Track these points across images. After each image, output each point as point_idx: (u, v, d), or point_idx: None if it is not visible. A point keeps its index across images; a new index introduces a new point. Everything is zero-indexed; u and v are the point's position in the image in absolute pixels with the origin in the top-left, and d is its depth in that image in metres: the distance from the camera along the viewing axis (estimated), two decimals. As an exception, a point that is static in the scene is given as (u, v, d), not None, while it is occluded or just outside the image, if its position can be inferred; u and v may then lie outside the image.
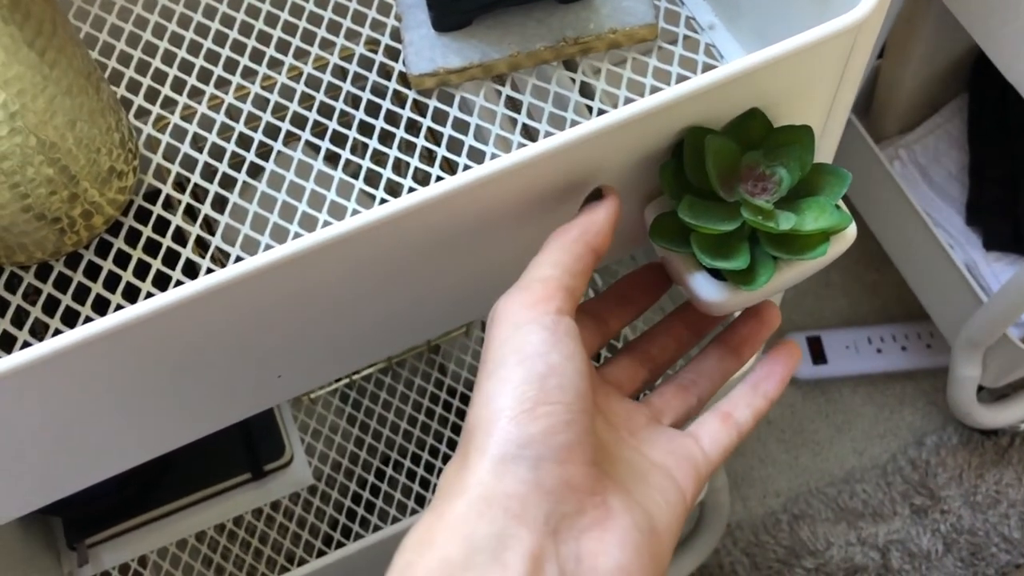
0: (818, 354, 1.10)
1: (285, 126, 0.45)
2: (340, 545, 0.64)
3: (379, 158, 0.43)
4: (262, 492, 0.66)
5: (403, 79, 0.46)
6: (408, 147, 0.44)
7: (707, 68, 0.44)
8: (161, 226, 0.43)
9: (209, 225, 0.43)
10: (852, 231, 0.35)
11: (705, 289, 0.35)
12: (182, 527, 0.65)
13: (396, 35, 0.47)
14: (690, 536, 0.94)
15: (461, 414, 0.70)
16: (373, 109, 0.45)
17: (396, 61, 0.46)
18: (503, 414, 0.29)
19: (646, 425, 0.35)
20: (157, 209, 0.43)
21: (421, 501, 0.66)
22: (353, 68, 0.46)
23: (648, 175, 0.36)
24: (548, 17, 0.44)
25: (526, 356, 0.29)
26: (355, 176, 0.43)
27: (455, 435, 0.69)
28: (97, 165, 0.40)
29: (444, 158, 0.44)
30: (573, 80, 0.44)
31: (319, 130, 0.45)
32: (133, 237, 0.43)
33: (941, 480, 1.04)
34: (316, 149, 0.44)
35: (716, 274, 0.35)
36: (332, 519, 0.67)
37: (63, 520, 0.64)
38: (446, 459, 0.68)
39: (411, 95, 0.45)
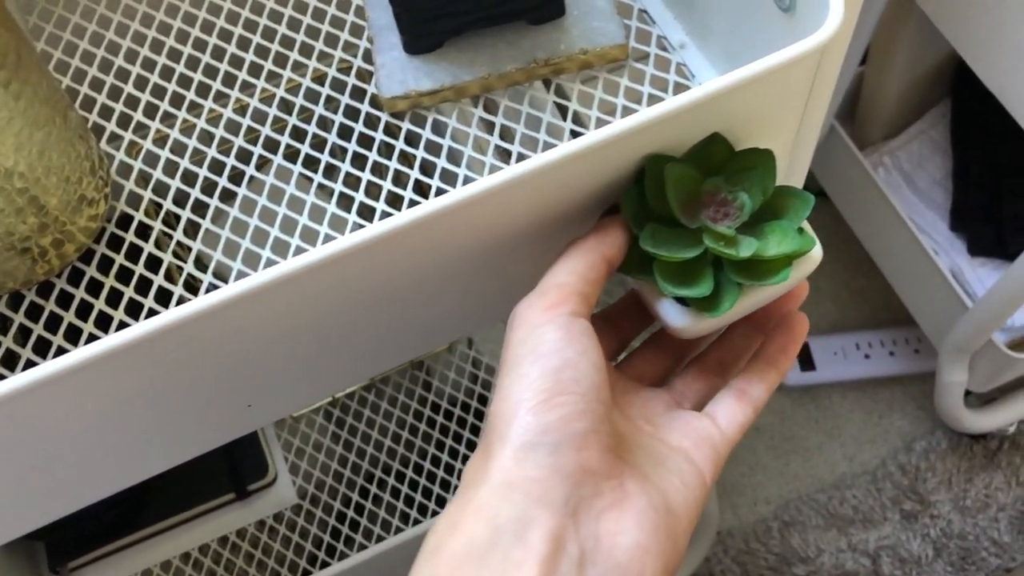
0: (807, 361, 1.10)
1: (257, 150, 0.45)
2: (325, 564, 0.64)
3: (352, 181, 0.43)
4: (246, 512, 0.66)
5: (376, 101, 0.46)
6: (381, 170, 0.44)
7: (678, 87, 0.44)
8: (134, 254, 0.43)
9: (181, 252, 0.43)
10: (817, 253, 0.35)
11: (672, 315, 0.35)
12: (167, 548, 0.65)
13: (369, 57, 0.47)
14: (680, 546, 0.94)
15: (445, 431, 0.70)
16: (346, 132, 0.45)
17: (369, 83, 0.46)
18: (522, 405, 0.31)
19: (664, 412, 0.36)
20: (130, 236, 0.43)
21: (406, 519, 0.66)
22: (326, 91, 0.46)
23: (609, 203, 0.36)
24: (519, 39, 0.44)
25: (542, 354, 0.31)
26: (328, 200, 0.43)
27: (439, 452, 0.69)
28: (67, 194, 0.39)
29: (417, 180, 0.43)
30: (545, 101, 0.44)
31: (291, 153, 0.45)
32: (105, 265, 0.42)
33: (931, 485, 1.04)
34: (288, 173, 0.44)
35: (683, 299, 0.35)
36: (316, 538, 0.67)
37: (46, 545, 0.64)
38: (431, 476, 0.68)
39: (384, 117, 0.45)
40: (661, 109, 0.31)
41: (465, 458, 0.69)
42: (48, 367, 0.31)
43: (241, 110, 0.46)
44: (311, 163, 0.44)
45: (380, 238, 0.31)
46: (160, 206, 0.44)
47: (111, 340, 0.31)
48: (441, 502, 0.67)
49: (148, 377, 0.34)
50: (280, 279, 0.31)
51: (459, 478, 0.67)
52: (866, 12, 0.90)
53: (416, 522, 0.63)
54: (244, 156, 0.45)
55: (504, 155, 0.44)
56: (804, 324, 0.38)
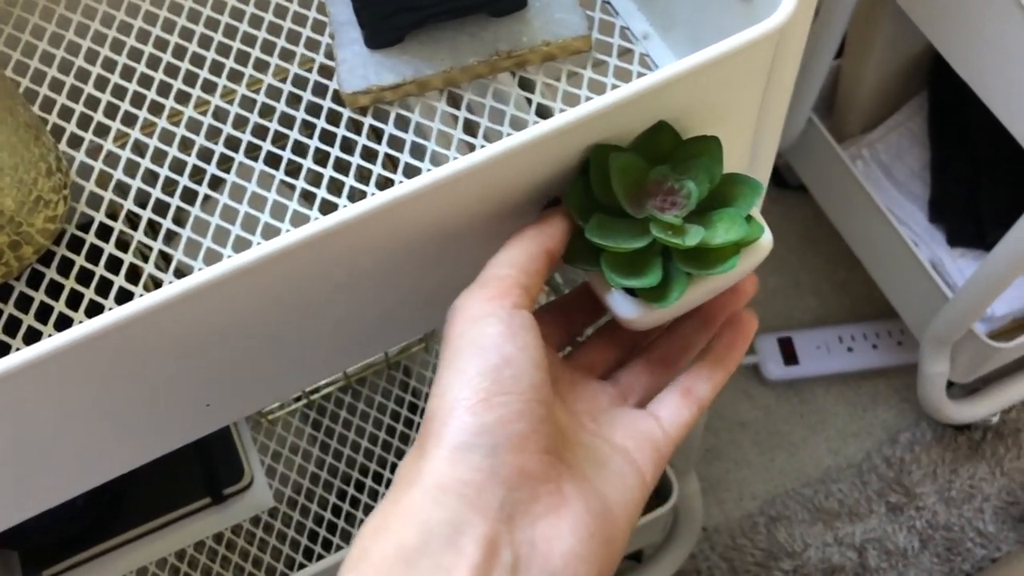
0: (790, 355, 1.10)
1: (219, 149, 0.44)
2: (302, 567, 0.64)
3: (314, 178, 0.43)
4: (222, 516, 0.65)
5: (338, 97, 0.45)
6: (344, 166, 0.43)
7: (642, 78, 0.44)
8: (94, 255, 0.42)
9: (143, 252, 0.42)
10: (767, 241, 0.35)
11: (621, 306, 0.35)
12: (142, 555, 0.64)
13: (331, 53, 0.46)
14: (665, 543, 0.94)
15: (423, 430, 0.70)
16: (308, 128, 0.44)
17: (331, 79, 0.46)
18: (460, 404, 0.30)
19: (608, 408, 0.36)
20: (90, 237, 0.42)
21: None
22: (288, 88, 0.46)
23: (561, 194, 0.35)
24: (481, 31, 0.44)
25: (482, 348, 0.30)
26: (290, 197, 0.43)
27: (417, 452, 0.68)
28: (22, 195, 0.39)
29: (380, 175, 0.43)
30: (509, 94, 0.44)
31: (253, 151, 0.44)
32: (66, 267, 0.42)
33: (916, 477, 1.04)
34: (251, 171, 0.44)
35: (632, 290, 0.35)
36: (294, 541, 0.66)
37: (19, 554, 0.64)
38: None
39: (346, 113, 0.45)
40: (606, 101, 0.31)
41: (443, 458, 0.68)
42: (6, 361, 0.31)
43: (203, 109, 0.46)
44: (273, 160, 0.44)
45: (322, 234, 0.31)
46: (121, 207, 0.43)
47: (62, 337, 0.31)
48: (419, 502, 0.66)
49: (103, 376, 0.33)
50: (229, 274, 0.31)
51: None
52: (841, 3, 0.90)
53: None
54: (206, 155, 0.44)
55: (469, 148, 0.44)
56: (752, 322, 0.37)
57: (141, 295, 0.40)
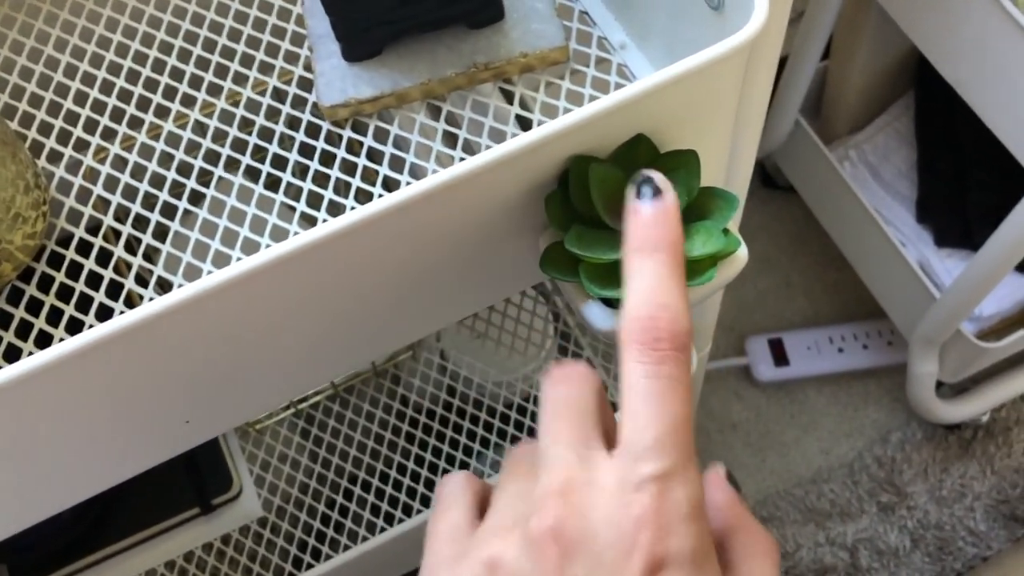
0: (780, 356, 1.10)
1: (198, 163, 0.44)
2: (292, 576, 0.64)
3: (293, 191, 0.43)
4: (212, 526, 0.65)
5: (317, 110, 0.45)
6: (322, 179, 0.43)
7: (620, 88, 0.44)
8: (74, 271, 0.42)
9: (122, 268, 0.42)
10: (743, 254, 0.35)
11: (598, 318, 0.35)
12: (131, 566, 0.64)
13: (310, 66, 0.46)
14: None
15: (411, 438, 0.70)
16: (287, 142, 0.45)
17: (310, 93, 0.46)
18: None
19: None
20: (70, 253, 0.42)
21: (372, 528, 0.66)
22: (267, 101, 0.46)
23: (540, 205, 0.35)
24: (458, 43, 0.44)
25: None
26: (269, 211, 0.43)
27: (405, 460, 0.68)
28: (1, 212, 0.39)
29: (359, 188, 0.43)
30: (487, 106, 0.44)
31: (233, 166, 0.44)
32: (46, 283, 0.42)
33: (907, 476, 1.04)
34: (230, 185, 0.44)
35: (609, 302, 0.35)
36: (283, 551, 0.66)
37: (8, 566, 0.64)
38: (397, 485, 0.67)
39: (325, 126, 0.45)
40: (581, 114, 0.31)
41: (432, 466, 0.68)
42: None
43: (183, 123, 0.46)
44: (253, 174, 0.44)
45: (301, 249, 0.31)
46: (101, 222, 0.43)
47: (44, 355, 0.31)
48: (408, 511, 0.66)
49: (81, 393, 0.33)
50: (210, 290, 0.31)
51: (426, 486, 0.67)
52: (826, 5, 0.90)
53: (382, 531, 0.62)
54: (185, 170, 0.44)
55: (449, 160, 0.44)
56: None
57: (122, 311, 0.40)
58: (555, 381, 0.31)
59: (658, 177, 0.30)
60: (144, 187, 0.44)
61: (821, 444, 1.08)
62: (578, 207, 0.34)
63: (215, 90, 0.46)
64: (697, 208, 0.35)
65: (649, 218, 0.30)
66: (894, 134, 1.03)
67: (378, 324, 0.39)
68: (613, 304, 0.35)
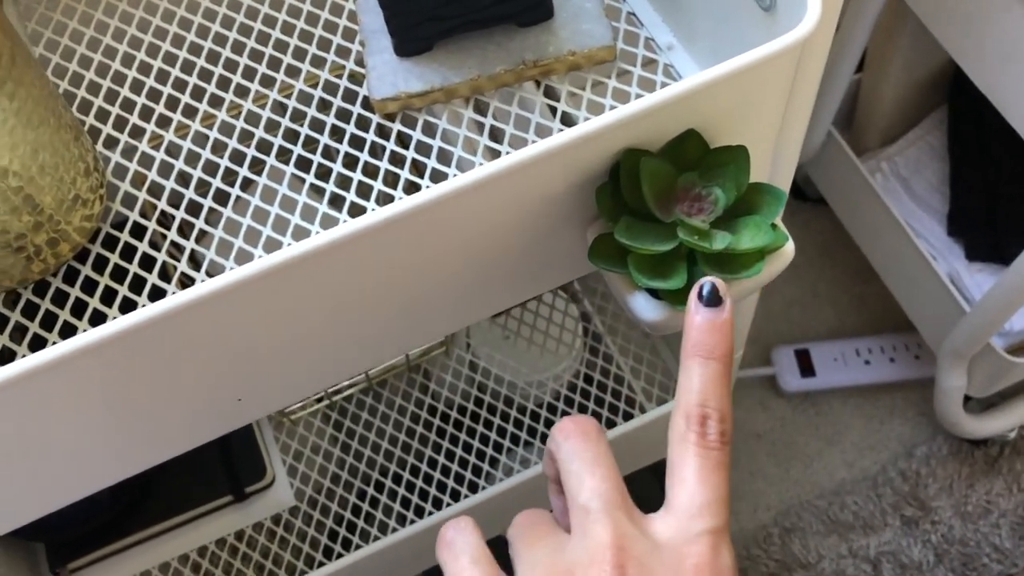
0: (807, 367, 1.10)
1: (251, 152, 0.46)
2: (321, 565, 0.65)
3: (343, 182, 0.44)
4: (244, 514, 0.66)
5: (367, 104, 0.46)
6: (372, 170, 0.44)
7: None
8: (128, 253, 0.43)
9: (175, 251, 0.43)
10: (789, 249, 0.36)
11: (644, 308, 0.36)
12: (165, 550, 0.66)
13: (361, 60, 0.47)
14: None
15: (443, 433, 0.71)
16: (338, 133, 0.45)
17: (361, 86, 0.47)
18: None
19: None
20: (124, 236, 0.44)
21: (403, 520, 0.67)
22: (318, 93, 0.47)
23: (589, 197, 0.36)
24: (508, 41, 0.45)
25: None
26: (320, 200, 0.44)
27: (437, 454, 0.69)
28: (61, 193, 0.40)
29: (408, 180, 0.44)
30: (534, 102, 0.45)
31: (284, 156, 0.45)
32: (100, 264, 0.43)
33: (931, 491, 1.04)
34: (281, 174, 0.45)
35: (655, 293, 0.35)
36: (314, 540, 0.67)
37: (45, 545, 0.65)
38: (428, 479, 0.68)
39: (375, 119, 0.46)
40: (635, 107, 0.32)
41: (462, 461, 0.69)
42: (40, 356, 0.32)
43: (235, 113, 0.47)
44: (304, 164, 0.45)
45: (351, 236, 0.31)
46: (155, 207, 0.44)
47: (99, 331, 0.32)
48: (438, 504, 0.67)
49: (136, 369, 0.34)
50: (261, 273, 0.32)
51: (455, 481, 0.67)
52: (861, 18, 0.91)
53: (412, 523, 0.63)
54: (238, 158, 0.45)
55: (494, 155, 0.45)
56: None
57: (173, 292, 0.41)
58: (576, 435, 0.32)
59: (721, 286, 0.32)
60: (197, 174, 0.45)
61: (845, 456, 1.08)
62: (628, 199, 0.35)
63: (268, 82, 0.47)
64: (745, 203, 0.35)
65: (707, 324, 0.32)
66: (926, 148, 1.03)
67: (428, 310, 0.39)
68: (659, 296, 0.35)
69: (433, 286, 0.38)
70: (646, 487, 0.92)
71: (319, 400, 0.69)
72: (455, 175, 0.43)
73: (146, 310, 0.32)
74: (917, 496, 1.04)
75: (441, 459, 0.68)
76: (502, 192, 0.34)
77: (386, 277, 0.36)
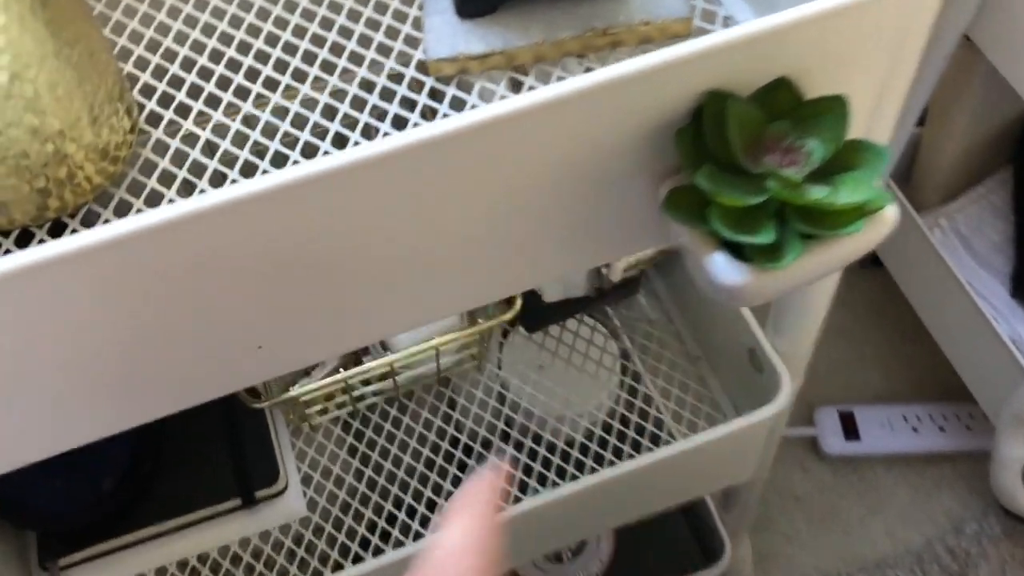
0: (851, 430, 1.05)
1: (295, 107, 0.43)
2: (329, 583, 0.60)
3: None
4: (252, 521, 0.62)
5: (421, 67, 0.44)
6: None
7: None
8: (154, 200, 0.40)
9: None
10: (892, 214, 0.32)
11: (725, 271, 0.31)
12: (163, 553, 0.61)
13: (418, 24, 0.45)
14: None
15: (469, 451, 0.66)
16: (388, 95, 0.43)
17: (416, 49, 0.44)
18: None
19: None
20: (151, 183, 0.41)
21: (419, 540, 0.62)
22: (370, 54, 0.44)
23: (663, 150, 0.32)
24: (576, 7, 0.42)
25: None
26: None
27: (460, 472, 0.64)
28: (89, 125, 0.37)
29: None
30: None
31: (329, 112, 0.42)
32: (123, 211, 0.40)
33: (983, 572, 0.97)
34: (324, 133, 0.42)
35: (738, 255, 0.31)
36: (323, 554, 0.62)
37: (37, 536, 0.61)
38: (449, 497, 0.63)
39: (429, 82, 0.43)
40: (728, 35, 0.28)
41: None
42: (38, 251, 0.29)
43: (290, 96, 0.44)
44: (351, 124, 0.42)
45: (412, 145, 0.28)
46: (195, 186, 0.41)
47: (102, 232, 0.29)
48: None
49: (163, 274, 0.31)
50: (300, 180, 0.28)
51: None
52: (929, 68, 0.88)
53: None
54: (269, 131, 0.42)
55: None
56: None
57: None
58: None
59: None
60: (244, 155, 0.41)
61: (888, 527, 1.02)
62: (711, 146, 0.31)
63: (315, 60, 0.44)
64: (843, 159, 0.31)
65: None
66: (989, 207, 0.99)
67: (481, 259, 0.36)
68: (742, 256, 0.31)
69: (490, 223, 0.34)
70: (676, 527, 0.86)
71: (340, 406, 0.65)
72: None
73: (195, 200, 0.29)
74: (966, 576, 0.97)
75: (464, 477, 0.64)
76: (574, 120, 0.30)
77: (436, 202, 0.32)
